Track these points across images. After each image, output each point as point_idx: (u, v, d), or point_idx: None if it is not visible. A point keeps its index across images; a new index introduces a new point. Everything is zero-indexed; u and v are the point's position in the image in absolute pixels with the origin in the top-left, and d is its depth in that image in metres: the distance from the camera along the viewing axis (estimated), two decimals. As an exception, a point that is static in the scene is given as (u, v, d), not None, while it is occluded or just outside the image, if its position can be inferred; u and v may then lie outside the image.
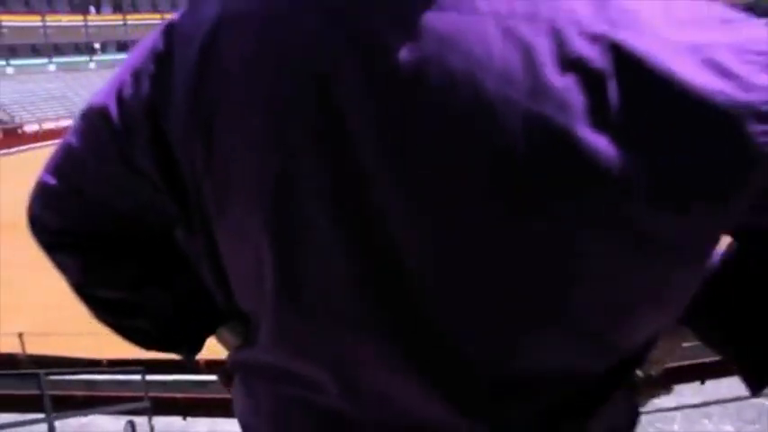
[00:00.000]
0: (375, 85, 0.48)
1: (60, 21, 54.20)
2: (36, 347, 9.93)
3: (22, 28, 51.60)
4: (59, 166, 0.68)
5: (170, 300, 0.74)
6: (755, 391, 0.62)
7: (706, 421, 5.70)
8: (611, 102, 0.45)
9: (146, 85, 0.58)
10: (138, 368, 7.21)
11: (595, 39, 0.45)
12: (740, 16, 0.48)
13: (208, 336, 0.75)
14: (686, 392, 6.76)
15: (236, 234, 0.58)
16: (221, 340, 0.74)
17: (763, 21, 0.48)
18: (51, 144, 39.72)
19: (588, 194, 0.46)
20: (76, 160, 0.66)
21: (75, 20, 55.21)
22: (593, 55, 0.45)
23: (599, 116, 0.45)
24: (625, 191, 0.45)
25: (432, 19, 0.47)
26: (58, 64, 52.92)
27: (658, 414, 6.00)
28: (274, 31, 0.52)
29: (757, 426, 5.51)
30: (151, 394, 6.78)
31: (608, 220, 0.46)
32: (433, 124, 0.47)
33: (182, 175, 0.58)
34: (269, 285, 0.57)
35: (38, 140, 40.55)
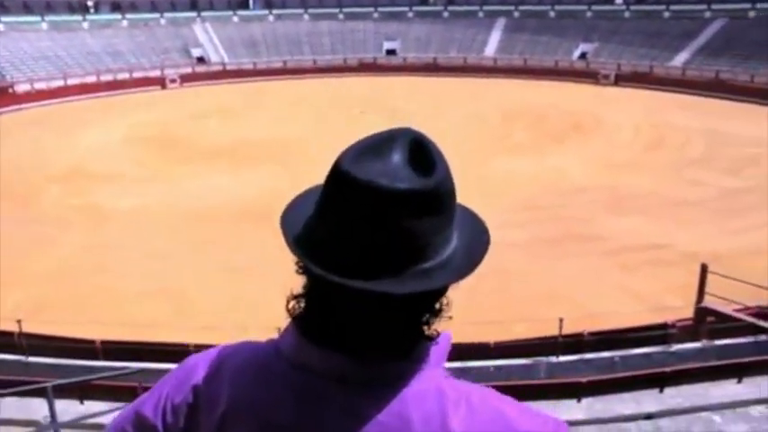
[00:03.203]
0: None
1: (54, -24, 53.31)
2: (33, 323, 10.22)
3: (15, -17, 50.80)
4: None
5: None
6: None
7: None
8: None
9: (182, 421, 1.01)
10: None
11: None
12: None
13: None
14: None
15: None
16: None
17: None
18: (43, 104, 39.70)
19: None
20: None
21: (69, -24, 54.32)
22: None
23: None
24: None
25: None
26: (51, 22, 52.20)
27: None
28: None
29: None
30: (144, 385, 7.18)
31: None
32: None
33: None
34: None
35: (30, 100, 40.27)
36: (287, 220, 0.98)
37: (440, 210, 0.90)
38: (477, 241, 0.98)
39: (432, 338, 0.96)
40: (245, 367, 0.99)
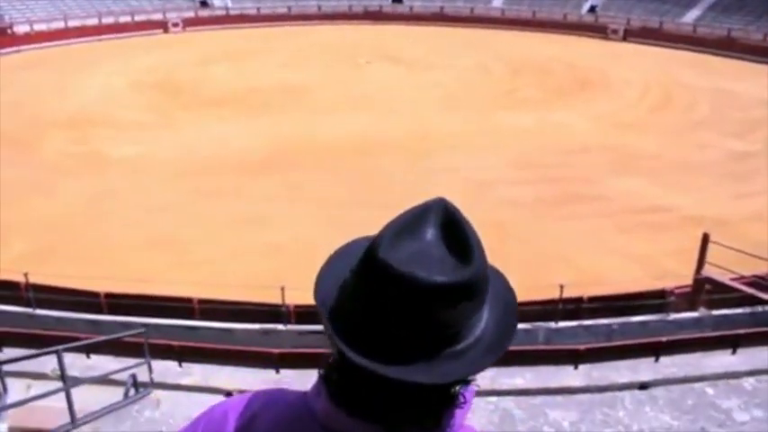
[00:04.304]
0: None
1: None
2: (36, 272, 10.29)
3: None
4: None
5: None
6: None
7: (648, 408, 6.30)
8: None
9: None
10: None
11: None
12: None
13: None
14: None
15: None
16: None
17: None
18: (43, 46, 39.08)
19: None
20: None
21: None
22: None
23: None
24: None
25: None
26: (51, -41, 51.02)
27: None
28: None
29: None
30: (150, 341, 7.32)
31: None
32: None
33: None
34: None
35: (30, 42, 39.62)
36: (321, 286, 0.97)
37: (475, 295, 0.91)
38: (508, 315, 0.99)
39: (461, 405, 0.98)
40: (279, 425, 1.01)
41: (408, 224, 0.92)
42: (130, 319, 8.73)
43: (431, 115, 23.77)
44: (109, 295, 9.68)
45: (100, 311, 9.45)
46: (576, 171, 18.33)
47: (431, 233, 0.91)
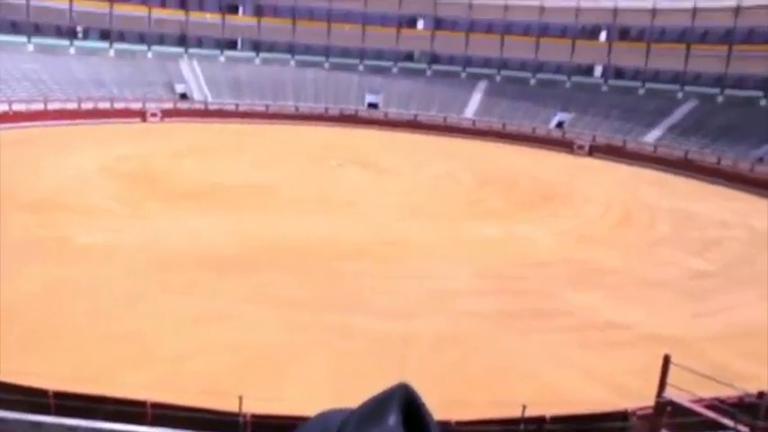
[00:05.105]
0: None
1: (44, 1, 53.45)
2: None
3: (5, 5, 50.80)
4: None
5: None
6: None
7: None
8: None
9: None
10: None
11: None
12: None
13: None
14: None
15: None
16: None
17: None
18: (21, 126, 39.22)
19: None
20: None
21: (60, 1, 54.48)
22: None
23: None
24: None
25: None
26: (37, 45, 52.12)
27: None
28: None
29: None
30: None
31: None
32: None
33: None
34: None
35: (7, 121, 39.87)
36: None
37: None
38: None
39: None
40: None
41: (373, 410, 1.00)
42: (79, 423, 8.35)
43: (398, 221, 24.15)
44: (58, 394, 9.29)
45: (47, 412, 9.01)
46: (538, 284, 18.58)
47: (393, 419, 0.99)
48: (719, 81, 51.06)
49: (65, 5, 54.52)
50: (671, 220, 27.41)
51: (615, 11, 55.94)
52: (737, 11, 49.98)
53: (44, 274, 16.78)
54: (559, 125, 52.05)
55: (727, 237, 25.51)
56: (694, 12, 52.28)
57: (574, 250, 22.14)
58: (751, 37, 50.13)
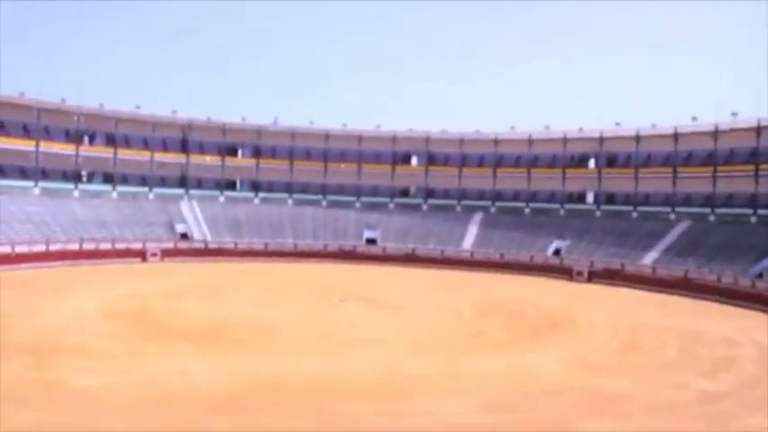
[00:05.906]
0: None
1: (53, 148, 55.64)
2: None
3: (16, 151, 52.86)
4: None
5: None
6: None
7: None
8: None
9: None
10: None
11: None
12: None
13: None
14: None
15: None
16: None
17: None
18: (22, 268, 39.44)
19: None
20: None
21: (67, 148, 56.72)
22: None
23: None
24: None
25: None
26: (43, 189, 53.68)
27: None
28: None
29: None
30: None
31: None
32: None
33: None
34: None
35: (9, 263, 40.24)
36: None
37: None
38: None
39: None
40: None
41: None
42: None
43: (400, 357, 23.73)
44: None
45: None
46: (546, 415, 17.92)
47: None
48: (709, 201, 52.36)
49: (71, 152, 56.72)
50: (678, 342, 27.00)
51: (601, 139, 58.32)
52: (716, 134, 52.17)
53: (31, 421, 16.19)
54: (556, 252, 52.56)
55: (737, 356, 25.01)
56: (676, 136, 54.56)
57: (580, 378, 21.58)
58: (733, 158, 51.99)
